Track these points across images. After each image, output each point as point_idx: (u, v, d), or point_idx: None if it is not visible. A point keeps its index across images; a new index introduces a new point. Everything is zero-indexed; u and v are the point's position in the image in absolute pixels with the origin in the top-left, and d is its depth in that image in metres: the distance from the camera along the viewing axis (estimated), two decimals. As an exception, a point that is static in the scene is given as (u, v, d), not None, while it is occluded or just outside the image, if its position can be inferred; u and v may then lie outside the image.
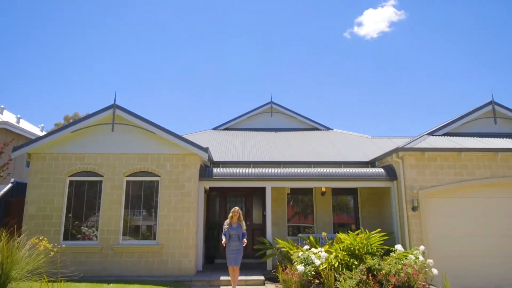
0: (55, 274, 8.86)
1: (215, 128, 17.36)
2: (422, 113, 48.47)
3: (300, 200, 12.97)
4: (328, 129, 17.31)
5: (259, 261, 11.90)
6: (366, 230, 9.65)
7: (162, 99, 50.91)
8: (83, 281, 8.77)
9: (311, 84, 47.88)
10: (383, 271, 8.30)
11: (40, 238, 6.51)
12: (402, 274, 8.22)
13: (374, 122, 47.22)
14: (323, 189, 12.51)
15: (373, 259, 8.68)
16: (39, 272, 6.45)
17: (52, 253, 6.33)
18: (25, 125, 16.60)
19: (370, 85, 47.48)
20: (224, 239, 8.14)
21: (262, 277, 9.58)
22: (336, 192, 12.92)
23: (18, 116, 16.59)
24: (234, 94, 50.53)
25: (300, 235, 10.97)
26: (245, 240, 8.23)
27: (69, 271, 8.20)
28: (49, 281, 6.37)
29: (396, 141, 15.19)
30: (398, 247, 8.91)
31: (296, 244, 10.01)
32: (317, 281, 8.88)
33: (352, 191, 12.94)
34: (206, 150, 10.26)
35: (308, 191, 12.90)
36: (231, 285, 8.54)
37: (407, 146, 10.51)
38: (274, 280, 9.67)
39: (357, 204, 12.82)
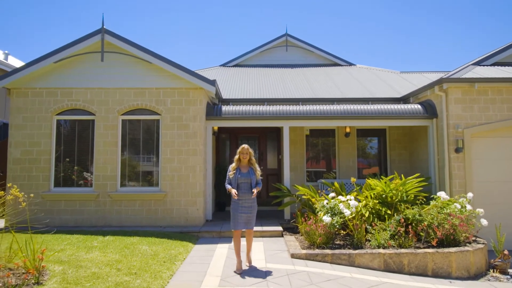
0: (40, 226, 7.81)
1: (223, 65, 15.63)
2: (458, 48, 44.99)
3: (320, 143, 11.55)
4: (351, 64, 15.44)
5: (274, 208, 10.78)
6: (402, 175, 8.27)
7: (161, 34, 48.30)
8: (77, 232, 7.71)
9: (328, 19, 44.47)
10: (425, 222, 7.01)
11: (9, 185, 5.24)
12: (446, 226, 6.93)
13: (399, 60, 44.19)
14: (347, 130, 11.02)
15: (412, 208, 7.38)
16: (19, 224, 5.30)
17: (23, 204, 5.06)
18: (14, 62, 15.07)
19: (393, 19, 44.04)
20: (232, 190, 5.78)
21: (280, 228, 8.43)
22: (361, 133, 11.44)
23: (6, 52, 15.01)
24: (244, 28, 47.30)
25: (322, 180, 9.67)
26: (254, 191, 5.78)
27: (43, 224, 7.09)
28: (29, 233, 5.21)
29: (429, 76, 13.39)
30: (442, 194, 7.54)
31: (318, 191, 8.74)
32: (342, 232, 7.69)
33: (380, 132, 11.44)
34: (213, 82, 8.69)
35: (330, 133, 11.44)
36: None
37: (453, 77, 8.79)
38: (293, 230, 8.53)
39: (385, 146, 11.37)
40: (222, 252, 6.80)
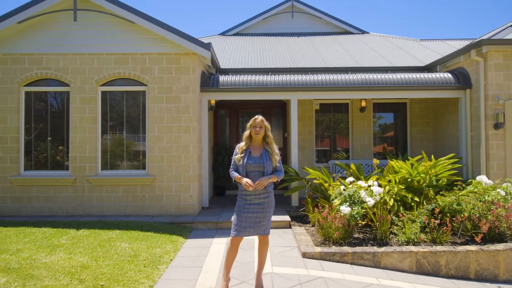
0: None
1: (222, 34, 14.14)
2: (481, 15, 42.52)
3: (332, 119, 10.21)
4: (364, 32, 13.91)
5: (280, 193, 9.53)
6: (432, 156, 7.00)
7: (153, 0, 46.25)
8: (47, 224, 6.51)
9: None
10: (465, 213, 5.77)
11: None
12: (490, 217, 5.70)
13: (412, 31, 41.93)
14: (363, 104, 9.67)
15: (450, 195, 6.12)
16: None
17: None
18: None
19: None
20: (243, 179, 3.95)
21: (288, 217, 7.22)
22: (378, 108, 10.09)
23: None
24: None
25: (336, 162, 8.39)
26: (263, 181, 3.93)
27: (13, 213, 5.91)
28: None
29: (453, 43, 11.93)
30: (483, 178, 6.28)
31: (333, 175, 7.49)
32: (361, 222, 6.45)
33: (400, 107, 10.08)
34: (208, 46, 7.32)
35: (343, 107, 10.10)
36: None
37: (495, 38, 7.38)
38: (302, 219, 7.34)
39: (405, 123, 10.04)
40: (218, 250, 5.60)
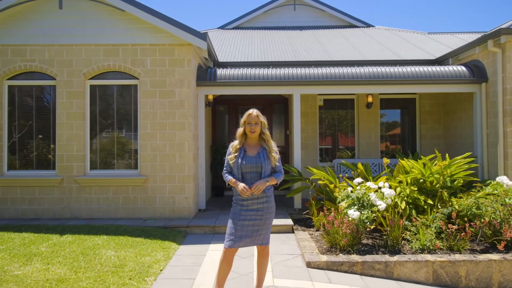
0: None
1: (222, 27, 13.59)
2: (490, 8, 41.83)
3: (336, 116, 9.67)
4: (369, 25, 13.35)
5: (281, 194, 9.05)
6: (447, 155, 6.47)
7: None
8: (29, 228, 6.00)
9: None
10: (486, 218, 5.25)
11: None
12: (512, 222, 5.18)
13: (417, 24, 41.16)
14: (369, 100, 9.13)
15: (467, 198, 5.59)
16: None
17: None
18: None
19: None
20: (238, 183, 3.44)
21: (290, 221, 6.71)
22: (385, 104, 9.54)
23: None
24: None
25: (342, 161, 7.86)
26: (259, 185, 3.42)
27: None
28: None
29: (463, 37, 11.37)
30: (504, 179, 5.75)
31: (340, 175, 6.97)
32: (369, 226, 5.92)
33: (408, 103, 9.54)
34: (204, 36, 6.79)
35: (348, 103, 9.56)
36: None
37: (515, 27, 6.83)
38: (305, 223, 6.82)
39: (414, 120, 9.49)
40: (214, 258, 5.09)
